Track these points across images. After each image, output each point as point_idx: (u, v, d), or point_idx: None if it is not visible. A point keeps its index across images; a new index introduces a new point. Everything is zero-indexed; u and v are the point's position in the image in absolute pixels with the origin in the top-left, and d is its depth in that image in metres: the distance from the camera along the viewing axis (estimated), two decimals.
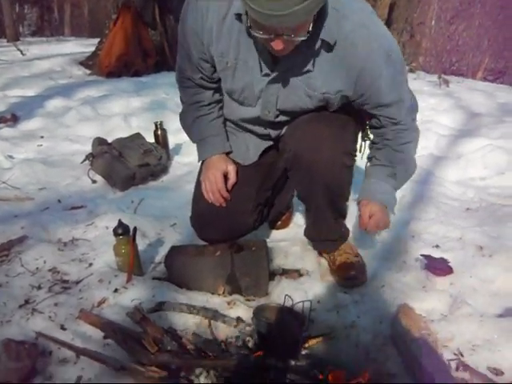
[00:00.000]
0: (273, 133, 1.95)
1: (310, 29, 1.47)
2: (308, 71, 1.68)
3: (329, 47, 1.61)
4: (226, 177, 2.00)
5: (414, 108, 1.85)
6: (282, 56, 1.60)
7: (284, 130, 1.93)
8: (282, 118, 1.86)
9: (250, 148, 2.02)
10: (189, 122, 2.06)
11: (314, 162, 1.81)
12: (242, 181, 2.02)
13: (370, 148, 1.97)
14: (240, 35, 1.67)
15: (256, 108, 1.84)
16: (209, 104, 1.98)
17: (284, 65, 1.67)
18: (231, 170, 2.00)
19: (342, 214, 2.10)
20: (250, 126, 1.97)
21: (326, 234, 2.10)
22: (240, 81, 1.78)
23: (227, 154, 2.04)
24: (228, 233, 2.04)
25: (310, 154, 1.81)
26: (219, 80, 1.89)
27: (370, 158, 1.97)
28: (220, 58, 1.75)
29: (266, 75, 1.71)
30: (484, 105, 5.13)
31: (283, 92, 1.75)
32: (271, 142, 2.02)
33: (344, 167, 1.86)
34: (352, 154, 1.90)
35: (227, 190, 1.99)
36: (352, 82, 1.68)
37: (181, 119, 2.12)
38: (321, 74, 1.68)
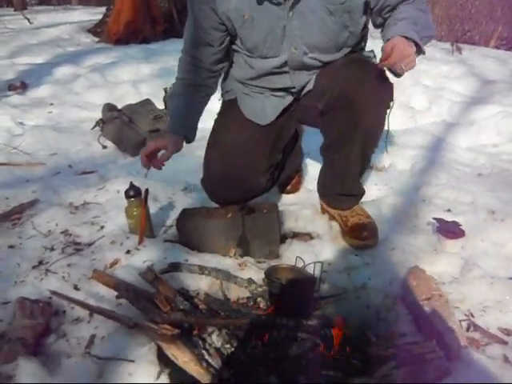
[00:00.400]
0: (297, 82, 1.94)
1: None
2: None
3: None
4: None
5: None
6: None
7: (311, 84, 1.93)
8: (310, 56, 1.86)
9: (267, 108, 2.01)
10: (171, 94, 2.10)
11: (360, 101, 1.80)
12: (255, 142, 2.01)
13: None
14: None
15: (281, 57, 1.85)
16: (197, 85, 2.01)
17: None
18: (168, 149, 1.95)
19: (365, 169, 2.12)
20: (272, 81, 1.95)
21: (348, 188, 2.10)
22: (261, 29, 1.78)
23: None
24: (240, 194, 2.04)
25: (356, 93, 1.80)
26: (221, 59, 1.96)
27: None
28: (236, 13, 1.76)
29: (284, 10, 1.73)
30: (497, 72, 5.03)
31: (305, 20, 1.76)
32: (290, 100, 2.01)
33: (386, 109, 1.88)
34: (391, 100, 1.91)
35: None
36: None
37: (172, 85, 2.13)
38: None
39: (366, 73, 1.81)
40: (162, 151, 1.95)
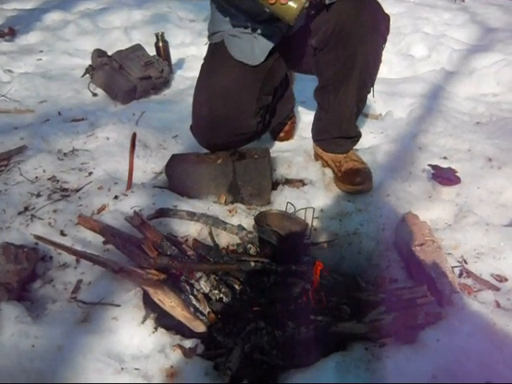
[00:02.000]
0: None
1: None
2: None
3: None
4: None
5: None
6: None
7: (302, 19, 1.86)
8: None
9: (256, 48, 1.94)
10: None
11: (356, 34, 1.77)
12: (243, 83, 1.95)
13: None
14: None
15: None
16: None
17: None
18: None
19: (361, 110, 2.08)
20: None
21: (345, 130, 2.07)
22: None
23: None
24: (230, 137, 1.99)
25: (352, 26, 1.77)
26: None
27: None
28: None
29: None
30: (500, 20, 4.89)
31: None
32: (278, 39, 1.93)
33: (382, 42, 1.84)
34: (388, 33, 1.85)
35: None
36: None
37: None
38: None
39: (363, 5, 1.76)
40: None
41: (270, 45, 1.92)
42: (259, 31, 1.90)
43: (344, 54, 1.82)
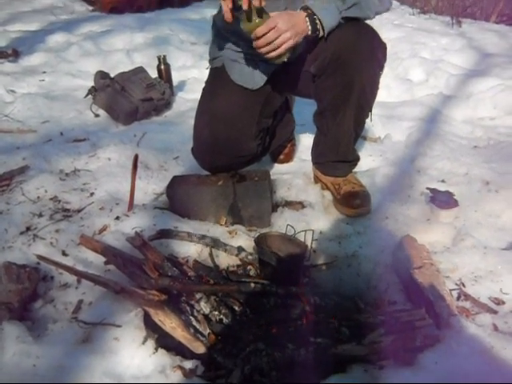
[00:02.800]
0: None
1: None
2: None
3: None
4: None
5: None
6: None
7: (301, 47, 1.87)
8: None
9: (256, 73, 1.97)
10: None
11: (354, 62, 1.80)
12: (244, 106, 1.98)
13: None
14: None
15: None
16: None
17: None
18: None
19: (359, 134, 2.11)
20: None
21: (343, 154, 2.09)
22: None
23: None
24: (230, 159, 2.02)
25: (349, 54, 1.79)
26: None
27: None
28: None
29: None
30: (497, 45, 4.97)
31: None
32: (277, 65, 1.95)
33: (380, 70, 1.87)
34: (385, 61, 1.89)
35: None
36: None
37: None
38: None
39: (360, 33, 1.79)
40: None
41: (269, 70, 1.96)
42: (259, 57, 1.93)
43: (341, 81, 1.84)
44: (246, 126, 1.98)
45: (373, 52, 1.82)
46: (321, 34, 1.77)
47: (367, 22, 1.90)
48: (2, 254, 1.73)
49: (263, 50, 1.66)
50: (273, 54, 1.67)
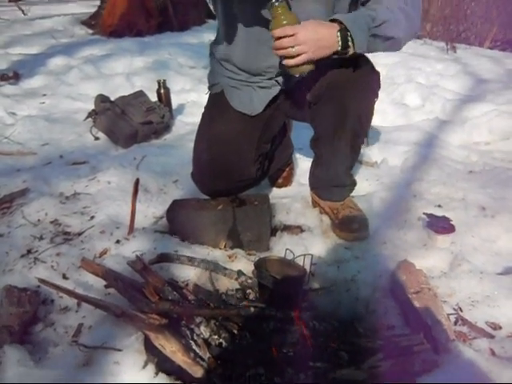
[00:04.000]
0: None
1: None
2: None
3: None
4: None
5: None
6: None
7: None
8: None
9: (254, 100, 2.00)
10: None
11: (350, 91, 1.81)
12: (243, 131, 2.01)
13: None
14: None
15: None
16: None
17: None
18: None
19: (355, 160, 2.14)
20: (259, 57, 1.90)
21: (340, 179, 2.11)
22: None
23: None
24: (230, 184, 2.04)
25: (346, 83, 1.81)
26: None
27: None
28: None
29: None
30: (491, 71, 5.04)
31: (300, 3, 1.73)
32: (277, 90, 2.00)
33: (374, 97, 1.88)
34: (379, 89, 1.91)
35: None
36: None
37: None
38: None
39: (355, 63, 1.81)
40: None
41: (268, 96, 2.00)
42: (258, 84, 1.98)
43: (337, 110, 1.88)
44: (245, 151, 2.01)
45: (368, 81, 1.85)
46: (350, 52, 1.68)
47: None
48: (3, 277, 1.74)
49: (278, 53, 1.63)
50: (290, 61, 1.62)
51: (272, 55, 1.72)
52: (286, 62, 1.63)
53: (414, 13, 1.80)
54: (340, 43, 1.63)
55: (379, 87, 1.94)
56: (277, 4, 1.57)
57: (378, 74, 1.92)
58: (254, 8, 1.75)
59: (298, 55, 1.60)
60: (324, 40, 1.62)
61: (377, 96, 1.93)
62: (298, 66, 1.63)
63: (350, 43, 1.64)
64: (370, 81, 1.87)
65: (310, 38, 1.58)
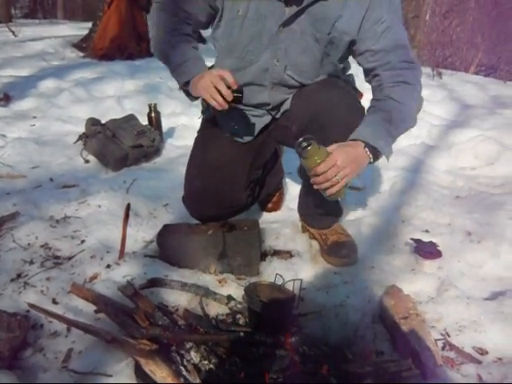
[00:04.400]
0: (274, 100, 1.96)
1: None
2: (318, 11, 1.72)
3: None
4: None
5: (418, 67, 1.84)
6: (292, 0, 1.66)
7: (288, 105, 1.95)
8: (289, 74, 1.87)
9: (247, 127, 2.03)
10: (167, 47, 1.90)
11: (331, 123, 1.80)
12: (234, 158, 2.03)
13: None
14: None
15: (260, 63, 1.86)
16: (190, 36, 1.91)
17: (294, 9, 1.71)
18: (223, 71, 1.71)
19: None
20: (249, 95, 1.90)
21: (326, 208, 2.11)
22: (249, 31, 1.79)
23: None
24: (220, 210, 2.06)
25: (326, 116, 1.81)
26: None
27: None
28: (231, 5, 1.76)
29: (276, 22, 1.75)
30: (476, 97, 5.15)
31: (293, 37, 1.78)
32: (268, 119, 2.03)
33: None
34: (363, 115, 1.85)
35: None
36: (357, 23, 1.73)
37: (155, 47, 1.99)
38: (331, 14, 1.72)
39: (338, 97, 1.83)
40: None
41: (260, 124, 2.03)
42: (250, 112, 2.01)
43: (320, 140, 1.87)
44: (236, 177, 2.03)
45: (349, 117, 1.81)
46: (380, 157, 1.75)
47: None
48: None
49: (322, 187, 1.64)
50: (332, 189, 1.64)
51: (262, 93, 1.86)
52: (329, 191, 1.65)
53: (417, 72, 1.84)
54: (371, 157, 1.69)
55: (362, 111, 1.88)
56: (309, 148, 1.60)
57: (362, 108, 1.88)
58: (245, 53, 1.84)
59: (341, 180, 1.63)
60: (358, 159, 1.66)
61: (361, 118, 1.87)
62: (340, 189, 1.66)
63: (378, 153, 1.71)
64: (354, 116, 1.81)
65: (348, 162, 1.62)
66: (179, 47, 1.87)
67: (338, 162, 1.59)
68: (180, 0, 1.87)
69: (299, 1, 1.70)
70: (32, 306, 1.58)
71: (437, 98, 5.00)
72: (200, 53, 1.90)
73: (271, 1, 1.73)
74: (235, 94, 1.67)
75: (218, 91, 1.65)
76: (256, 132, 2.04)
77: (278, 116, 2.04)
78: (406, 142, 3.66)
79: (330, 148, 1.64)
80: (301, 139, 1.60)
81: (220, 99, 1.66)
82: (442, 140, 3.76)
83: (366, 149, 1.67)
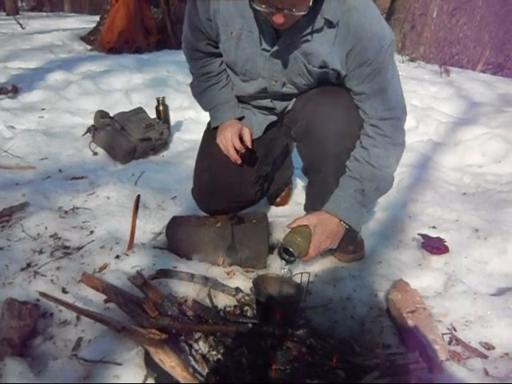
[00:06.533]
0: (279, 105, 1.96)
1: (310, 4, 1.49)
2: (308, 47, 1.70)
3: (330, 25, 1.63)
4: (241, 139, 1.99)
5: (398, 116, 1.82)
6: (284, 30, 1.63)
7: (291, 105, 1.95)
8: (289, 88, 1.87)
9: (254, 124, 2.05)
10: (199, 92, 2.12)
11: (327, 133, 1.80)
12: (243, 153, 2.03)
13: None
14: (245, 6, 1.69)
15: (259, 80, 1.86)
16: (217, 74, 2.01)
17: (286, 39, 1.69)
18: (245, 129, 1.99)
19: None
20: (255, 101, 1.99)
21: None
22: (243, 52, 1.80)
23: (240, 119, 2.06)
24: (229, 204, 2.07)
25: (323, 125, 1.81)
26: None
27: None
28: (225, 27, 1.76)
29: (267, 50, 1.74)
30: (484, 95, 5.15)
31: (285, 64, 1.77)
32: (275, 118, 2.04)
33: (355, 138, 1.83)
34: (361, 125, 1.83)
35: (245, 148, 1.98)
36: (343, 62, 1.71)
37: (191, 89, 2.16)
38: (320, 51, 1.70)
39: (335, 105, 1.80)
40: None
41: (266, 121, 2.05)
42: (257, 109, 2.03)
43: (315, 151, 1.87)
44: (245, 173, 2.03)
45: (344, 125, 1.81)
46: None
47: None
48: (3, 290, 1.75)
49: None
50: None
51: (266, 100, 1.95)
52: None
53: (398, 121, 1.83)
54: (346, 227, 1.83)
55: (358, 129, 1.83)
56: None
57: (357, 116, 1.82)
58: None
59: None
60: (335, 233, 1.82)
61: (358, 137, 1.84)
62: None
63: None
64: (351, 125, 1.82)
65: (326, 237, 1.79)
66: (207, 92, 2.07)
67: (321, 245, 1.79)
68: (191, 43, 1.98)
69: (283, 41, 1.69)
70: (43, 294, 1.59)
71: (444, 96, 5.00)
72: (228, 91, 2.04)
73: (262, 28, 1.71)
74: (245, 153, 1.97)
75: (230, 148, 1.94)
76: (263, 129, 2.05)
77: (283, 114, 2.03)
78: (414, 139, 3.68)
79: (310, 222, 1.78)
80: (283, 253, 1.74)
81: (233, 154, 1.95)
82: (449, 137, 3.76)
83: (342, 222, 1.81)
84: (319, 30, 1.65)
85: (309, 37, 1.67)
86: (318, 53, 1.70)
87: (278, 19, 1.50)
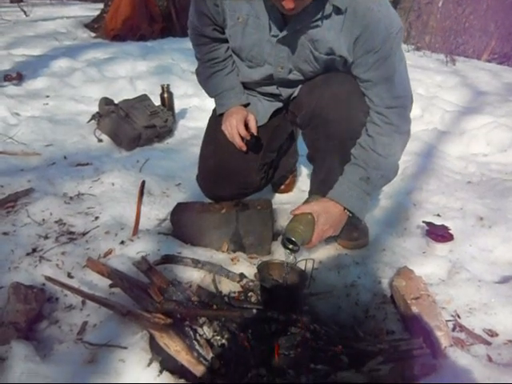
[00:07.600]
0: (284, 92, 1.95)
1: None
2: (315, 34, 1.69)
3: (338, 11, 1.62)
4: (246, 126, 1.97)
5: (404, 104, 1.80)
6: (291, 16, 1.62)
7: (297, 92, 1.94)
8: (295, 75, 1.86)
9: (260, 111, 2.04)
10: (204, 78, 2.11)
11: (333, 119, 1.80)
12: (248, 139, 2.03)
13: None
14: None
15: (265, 67, 1.85)
16: (223, 60, 2.01)
17: (295, 25, 1.67)
18: (250, 116, 1.97)
19: None
20: (260, 88, 1.99)
21: None
22: (250, 38, 1.79)
23: (246, 105, 2.06)
24: (233, 191, 2.07)
25: (329, 111, 1.81)
26: None
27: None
28: (232, 12, 1.76)
29: (275, 36, 1.73)
30: (489, 84, 5.12)
31: (292, 50, 1.76)
32: (280, 105, 2.03)
33: (361, 125, 1.82)
34: (367, 112, 1.82)
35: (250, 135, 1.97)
36: (350, 48, 1.69)
37: (197, 75, 2.15)
38: (327, 37, 1.69)
39: (341, 91, 1.79)
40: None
41: (272, 108, 2.04)
42: (263, 96, 2.02)
43: (321, 137, 1.87)
44: (250, 159, 2.04)
45: (351, 111, 1.80)
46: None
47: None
48: (9, 275, 1.77)
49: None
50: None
51: (272, 87, 1.95)
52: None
53: (404, 109, 1.81)
54: (350, 214, 1.83)
55: (365, 115, 1.81)
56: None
57: (363, 102, 1.80)
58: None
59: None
60: (338, 221, 1.82)
61: (364, 124, 1.82)
62: None
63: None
64: (354, 110, 1.80)
65: (329, 225, 1.79)
66: (213, 78, 2.06)
67: (324, 233, 1.79)
68: (197, 28, 1.96)
69: (292, 26, 1.68)
70: (49, 279, 1.60)
71: (450, 85, 4.97)
72: (234, 78, 2.04)
73: (270, 14, 1.70)
74: (250, 140, 1.96)
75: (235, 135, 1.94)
76: (268, 116, 2.05)
77: (289, 101, 2.02)
78: (419, 128, 3.67)
79: (314, 210, 1.77)
80: (286, 242, 1.73)
81: (238, 141, 1.94)
82: (454, 126, 3.75)
83: (345, 210, 1.81)
84: (327, 17, 1.64)
85: (318, 22, 1.66)
86: (325, 39, 1.69)
87: (289, 4, 1.49)
